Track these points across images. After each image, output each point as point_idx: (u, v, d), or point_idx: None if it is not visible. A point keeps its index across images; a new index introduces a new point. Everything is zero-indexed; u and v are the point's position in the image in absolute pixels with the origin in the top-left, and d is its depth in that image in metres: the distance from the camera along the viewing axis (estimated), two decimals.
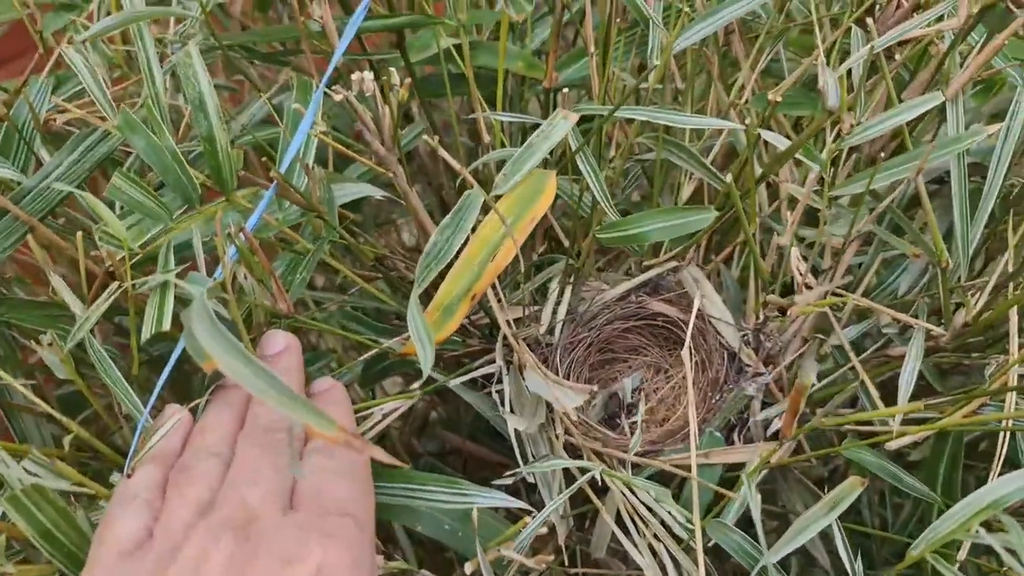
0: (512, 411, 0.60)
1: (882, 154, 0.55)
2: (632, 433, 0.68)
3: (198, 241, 0.50)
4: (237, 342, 0.35)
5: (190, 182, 0.53)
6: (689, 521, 0.51)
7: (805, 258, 0.69)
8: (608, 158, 0.76)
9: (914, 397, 0.76)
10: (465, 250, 0.58)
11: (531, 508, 0.50)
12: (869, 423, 0.63)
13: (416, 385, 0.59)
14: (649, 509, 0.53)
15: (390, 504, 0.52)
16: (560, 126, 0.56)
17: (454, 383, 0.60)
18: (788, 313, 0.54)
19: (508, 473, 0.57)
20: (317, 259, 0.55)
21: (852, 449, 0.54)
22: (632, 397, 0.70)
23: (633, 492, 0.55)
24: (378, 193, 0.63)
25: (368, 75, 0.51)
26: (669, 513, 0.51)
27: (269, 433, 0.48)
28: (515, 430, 0.57)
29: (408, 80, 0.49)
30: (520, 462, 0.57)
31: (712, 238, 0.77)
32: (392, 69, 0.52)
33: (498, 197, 0.55)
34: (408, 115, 0.89)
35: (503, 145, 0.67)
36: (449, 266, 0.55)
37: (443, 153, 0.53)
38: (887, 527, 0.87)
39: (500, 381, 0.61)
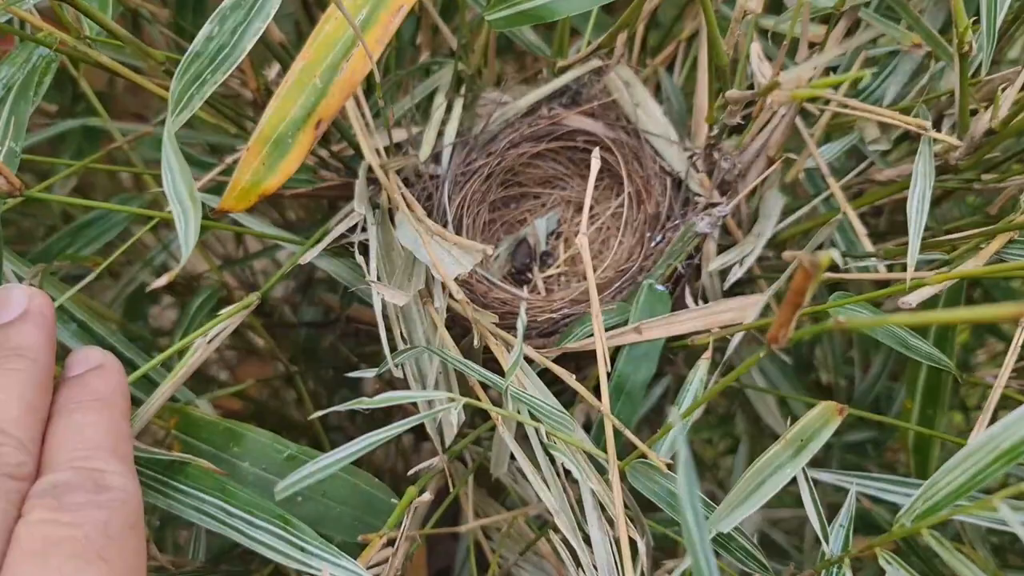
0: (379, 273, 0.43)
1: None
2: (547, 291, 0.52)
3: None
4: None
5: None
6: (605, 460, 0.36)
7: (769, 59, 0.52)
8: None
9: (902, 229, 0.62)
10: (302, 55, 0.40)
11: None
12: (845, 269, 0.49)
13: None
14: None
15: None
16: None
17: (311, 256, 0.43)
18: (768, 103, 0.37)
19: (355, 372, 0.41)
20: (33, 99, 0.36)
21: (845, 308, 0.39)
22: (546, 244, 0.54)
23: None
24: None
25: None
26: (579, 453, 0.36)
27: None
28: (382, 302, 0.40)
29: None
30: (386, 348, 0.40)
31: (647, 35, 0.59)
32: None
33: None
34: None
35: None
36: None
37: None
38: (853, 386, 0.75)
39: (365, 232, 0.44)
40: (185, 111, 0.32)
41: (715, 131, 0.45)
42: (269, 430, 0.87)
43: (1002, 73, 0.46)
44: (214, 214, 0.40)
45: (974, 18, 0.43)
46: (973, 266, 0.39)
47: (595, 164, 0.37)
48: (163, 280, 0.36)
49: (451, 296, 0.42)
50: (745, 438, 0.74)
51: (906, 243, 0.58)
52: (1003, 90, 0.44)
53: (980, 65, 0.46)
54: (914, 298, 0.37)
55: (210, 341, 0.38)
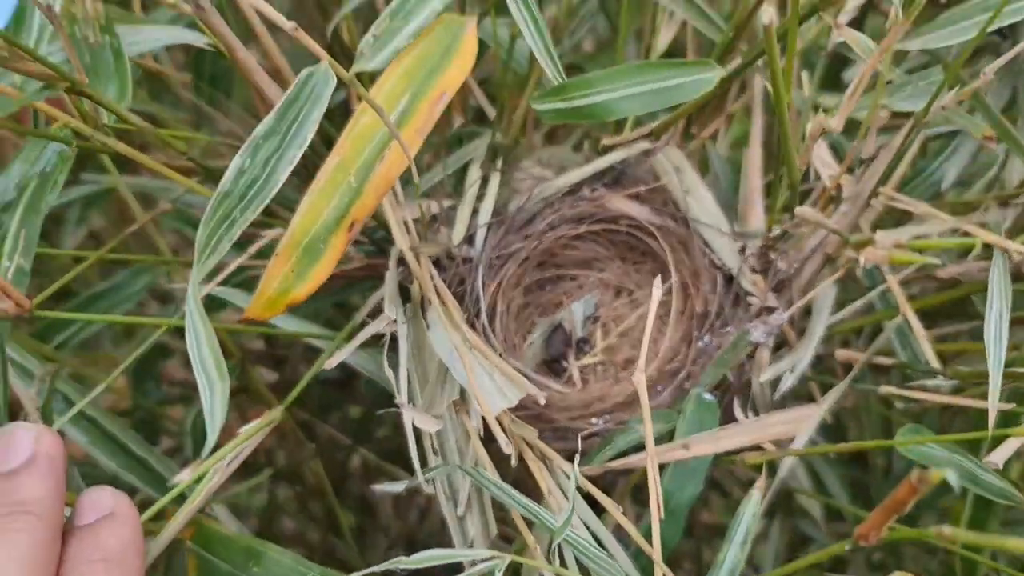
0: (410, 376, 0.40)
1: None
2: (581, 383, 0.49)
3: None
4: None
5: None
6: None
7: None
8: None
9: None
10: (336, 151, 0.37)
11: None
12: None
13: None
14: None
15: None
16: None
17: (340, 358, 0.40)
18: (861, 260, 0.33)
19: (382, 486, 0.38)
20: (48, 201, 0.33)
21: (910, 443, 0.36)
22: (583, 329, 0.51)
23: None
24: (201, 41, 0.41)
25: None
26: None
27: None
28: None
29: None
30: (415, 462, 0.37)
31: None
32: None
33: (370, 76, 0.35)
34: None
35: None
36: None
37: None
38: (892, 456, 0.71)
39: (393, 332, 0.42)
40: (212, 256, 0.29)
41: (775, 232, 0.42)
42: (282, 480, 0.84)
43: None
44: (241, 321, 0.37)
45: None
46: None
47: (656, 295, 0.34)
48: (185, 474, 0.33)
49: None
50: (777, 516, 0.71)
51: (959, 333, 0.55)
52: None
53: None
54: (999, 457, 0.33)
55: (228, 464, 0.36)
